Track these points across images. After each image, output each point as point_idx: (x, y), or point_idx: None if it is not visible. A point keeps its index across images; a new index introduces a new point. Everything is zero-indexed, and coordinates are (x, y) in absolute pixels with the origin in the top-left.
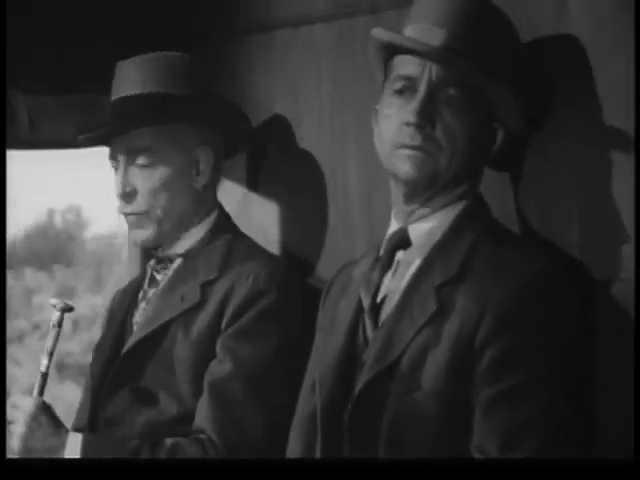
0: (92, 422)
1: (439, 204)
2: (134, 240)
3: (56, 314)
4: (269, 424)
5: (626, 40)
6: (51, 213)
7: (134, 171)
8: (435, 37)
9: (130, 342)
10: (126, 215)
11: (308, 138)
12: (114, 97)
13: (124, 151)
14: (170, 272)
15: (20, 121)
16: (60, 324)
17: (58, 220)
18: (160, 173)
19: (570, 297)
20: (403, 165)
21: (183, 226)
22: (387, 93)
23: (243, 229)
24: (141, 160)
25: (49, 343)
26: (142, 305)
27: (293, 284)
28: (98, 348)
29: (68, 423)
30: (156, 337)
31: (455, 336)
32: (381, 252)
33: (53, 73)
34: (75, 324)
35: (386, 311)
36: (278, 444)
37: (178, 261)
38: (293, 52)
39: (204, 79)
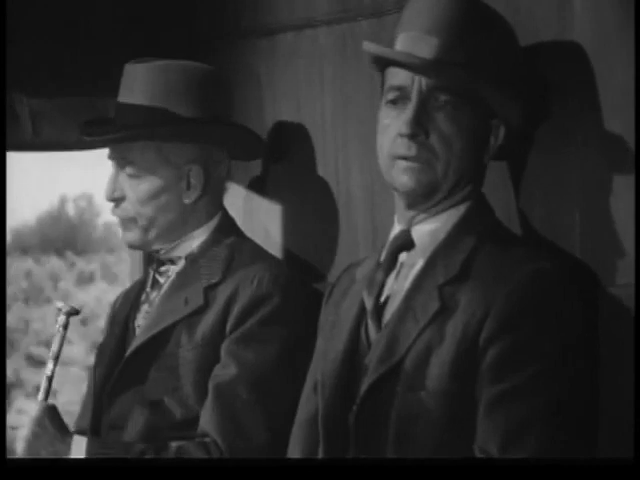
0: (95, 425)
1: (442, 207)
2: (124, 240)
3: (62, 317)
4: (273, 428)
5: (628, 41)
6: (63, 200)
7: (123, 178)
8: (427, 47)
9: (133, 345)
10: (116, 218)
11: (311, 141)
12: (120, 99)
13: (115, 158)
14: (173, 275)
15: (23, 124)
16: (66, 327)
17: (70, 207)
18: (147, 185)
19: (573, 297)
20: (401, 177)
21: (174, 236)
22: (383, 104)
23: (246, 232)
24: (128, 170)
25: (55, 346)
26: (144, 308)
27: (297, 287)
28: (100, 351)
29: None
30: (159, 340)
31: (459, 335)
32: (384, 254)
33: (55, 76)
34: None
35: (389, 312)
36: (282, 448)
37: (181, 264)
38: (296, 56)
39: (216, 97)
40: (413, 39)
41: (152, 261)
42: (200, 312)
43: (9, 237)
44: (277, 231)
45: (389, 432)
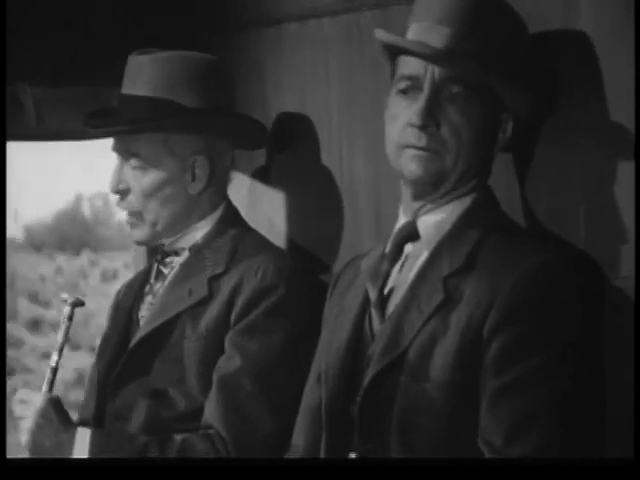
0: (99, 417)
1: (448, 198)
2: (132, 238)
3: (67, 309)
4: (278, 420)
5: (632, 34)
6: (79, 199)
7: (128, 170)
8: (438, 37)
9: (137, 336)
10: (122, 210)
11: (315, 131)
12: (124, 91)
13: (120, 150)
14: (177, 266)
15: (27, 113)
16: (71, 318)
17: (86, 206)
18: (152, 177)
19: (577, 289)
20: (409, 165)
21: (179, 227)
22: (393, 93)
23: (250, 222)
24: (134, 162)
25: (60, 338)
26: (148, 299)
27: (301, 279)
28: (104, 342)
29: None
30: (163, 331)
31: (463, 326)
32: (389, 245)
33: (59, 65)
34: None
35: (393, 303)
36: (286, 439)
37: (185, 255)
38: (301, 46)
39: (220, 87)
40: (425, 29)
41: (156, 252)
42: (204, 303)
43: (23, 234)
44: (281, 222)
45: (392, 422)
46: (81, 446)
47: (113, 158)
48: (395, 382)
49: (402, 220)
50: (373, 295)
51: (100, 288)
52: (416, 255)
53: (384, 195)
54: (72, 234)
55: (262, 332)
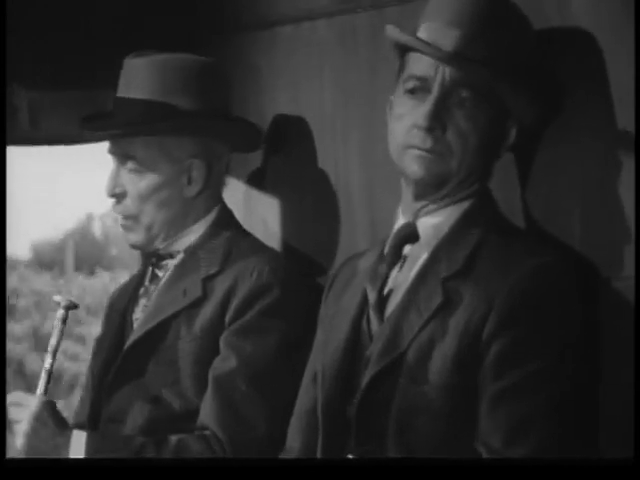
0: (94, 419)
1: (448, 200)
2: (126, 242)
3: (60, 312)
4: (273, 420)
5: (627, 38)
6: (90, 218)
7: (124, 173)
8: (448, 39)
9: (131, 339)
10: (118, 215)
11: (311, 134)
12: (119, 94)
13: (116, 153)
14: (171, 268)
15: (21, 117)
16: (64, 321)
17: (97, 225)
18: (148, 180)
19: (575, 292)
20: (412, 165)
21: (174, 230)
22: (399, 92)
23: (245, 226)
24: (130, 165)
25: (53, 341)
26: (143, 301)
27: (296, 280)
28: (98, 345)
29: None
30: (158, 333)
31: (461, 329)
32: (388, 246)
33: (54, 68)
34: None
35: (392, 305)
36: (282, 439)
37: (179, 257)
38: (295, 48)
39: (215, 90)
40: (435, 31)
41: (151, 255)
42: (198, 304)
43: (30, 253)
44: (276, 224)
45: (390, 424)
46: (77, 449)
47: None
48: (393, 384)
49: (401, 221)
50: (372, 296)
51: None
52: (415, 256)
53: (379, 197)
54: (83, 253)
55: (257, 332)
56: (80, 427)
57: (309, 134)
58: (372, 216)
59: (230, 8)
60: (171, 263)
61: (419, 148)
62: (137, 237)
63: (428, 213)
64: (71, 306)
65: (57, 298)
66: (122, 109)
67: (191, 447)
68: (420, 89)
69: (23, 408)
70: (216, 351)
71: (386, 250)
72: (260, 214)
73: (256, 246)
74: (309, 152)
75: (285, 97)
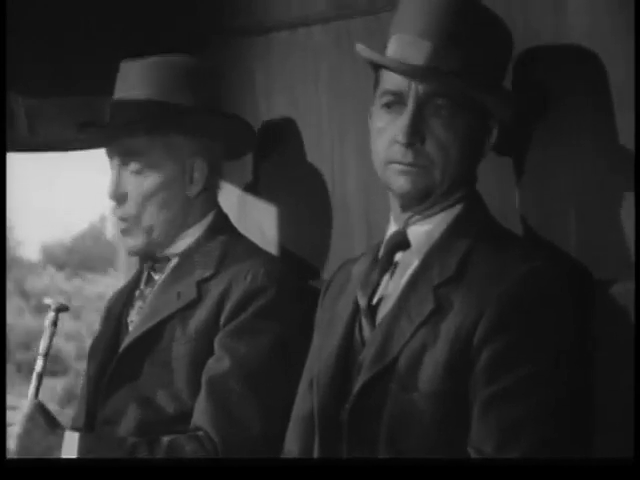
0: (89, 421)
1: (437, 208)
2: (124, 247)
3: (51, 314)
4: (267, 421)
5: (625, 40)
6: (103, 220)
7: (126, 175)
8: (419, 51)
9: (126, 341)
10: (117, 219)
11: (306, 139)
12: (116, 97)
13: (118, 154)
14: (167, 271)
15: (19, 123)
16: (55, 324)
17: (109, 226)
18: (151, 180)
19: (567, 297)
20: (397, 180)
21: (173, 232)
22: (377, 106)
23: (240, 230)
24: (133, 166)
25: (44, 343)
26: (138, 304)
27: (291, 282)
28: (94, 348)
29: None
30: (153, 335)
31: (453, 336)
32: (380, 253)
33: (51, 75)
34: None
35: (383, 311)
36: (276, 441)
37: (175, 260)
38: (291, 54)
39: (208, 88)
40: (407, 43)
41: (148, 258)
42: (193, 306)
43: (41, 253)
44: (272, 229)
45: (381, 430)
46: (69, 449)
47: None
48: (385, 390)
49: (393, 228)
50: (363, 303)
51: None
52: (406, 263)
53: (374, 201)
54: (95, 254)
55: (251, 334)
56: (78, 430)
57: (305, 139)
58: (368, 220)
59: (226, 14)
60: (167, 266)
61: (401, 163)
62: (136, 241)
63: (419, 221)
64: (62, 308)
65: (48, 300)
66: (122, 110)
67: (184, 447)
68: (395, 103)
69: (15, 411)
70: (210, 353)
71: (378, 257)
72: (255, 218)
73: (251, 249)
74: (304, 157)
75: (281, 101)
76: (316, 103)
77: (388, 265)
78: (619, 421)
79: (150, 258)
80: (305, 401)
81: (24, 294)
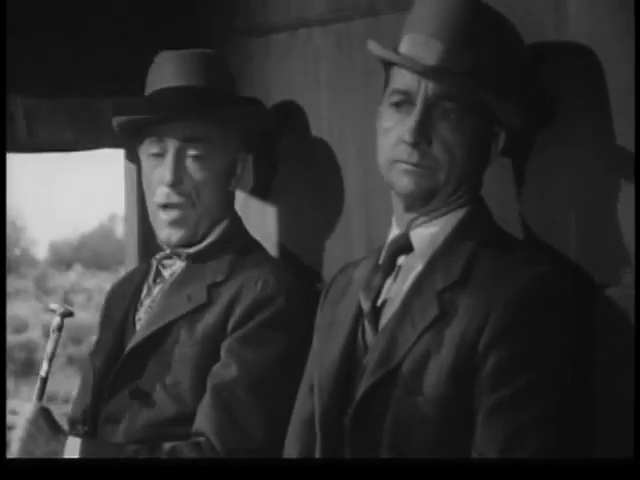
0: (92, 418)
1: (441, 211)
2: (167, 238)
3: (56, 319)
4: (270, 431)
5: (626, 42)
6: (112, 219)
7: (186, 161)
8: (431, 52)
9: (134, 341)
10: (167, 208)
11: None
12: (161, 86)
13: (177, 139)
14: (178, 271)
15: (17, 124)
16: (60, 329)
17: (119, 225)
18: (209, 167)
19: (572, 301)
20: (401, 180)
21: (211, 228)
22: (385, 105)
23: None
24: (193, 151)
25: (49, 348)
26: (147, 302)
27: (301, 292)
28: (99, 342)
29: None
30: (160, 336)
31: (458, 341)
32: (382, 257)
33: (50, 76)
34: None
35: (386, 316)
36: (279, 450)
37: (186, 259)
38: (291, 56)
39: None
40: (418, 43)
41: (154, 252)
42: (202, 310)
43: (49, 252)
44: (273, 231)
45: (384, 435)
46: (71, 454)
47: None
48: (388, 395)
49: (395, 231)
50: (366, 307)
51: None
52: (410, 267)
53: (375, 204)
54: (105, 252)
55: (260, 342)
56: (76, 422)
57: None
58: (368, 223)
59: (225, 16)
60: (178, 264)
61: (406, 162)
62: (181, 233)
63: (422, 224)
64: (67, 314)
65: (53, 306)
66: (177, 96)
67: (185, 454)
68: (404, 102)
69: (18, 414)
70: (216, 357)
71: (381, 260)
72: (257, 221)
73: (263, 256)
74: (305, 159)
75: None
76: (315, 105)
77: (391, 269)
78: (619, 421)
79: (160, 252)
80: (305, 404)
81: (47, 292)
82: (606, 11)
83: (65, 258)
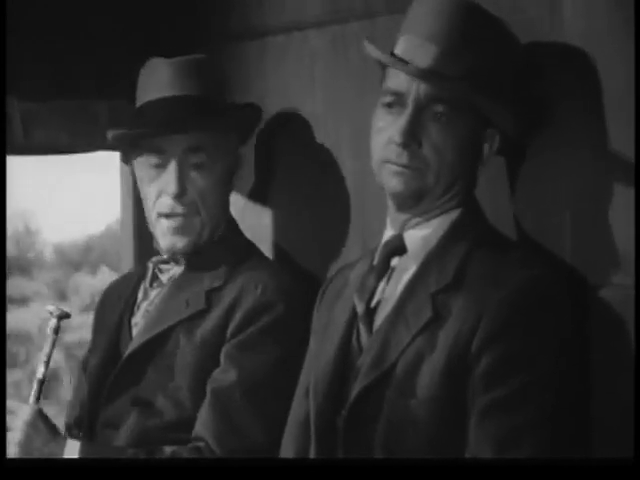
0: (90, 423)
1: (434, 213)
2: (170, 246)
3: (53, 321)
4: (270, 436)
5: (622, 43)
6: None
7: (188, 171)
8: (425, 54)
9: (131, 347)
10: (171, 217)
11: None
12: (155, 96)
13: (178, 149)
14: (175, 275)
15: (14, 127)
16: (57, 331)
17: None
18: (211, 174)
19: (566, 303)
20: (390, 180)
21: (213, 233)
22: (379, 105)
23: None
24: (194, 159)
25: (46, 350)
26: (144, 306)
27: (300, 296)
28: (94, 346)
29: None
30: (158, 341)
31: (451, 343)
32: (376, 258)
33: (46, 79)
34: None
35: (380, 317)
36: (278, 454)
37: (183, 264)
38: (286, 58)
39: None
40: (412, 45)
41: (150, 255)
42: (201, 315)
43: (54, 253)
44: (269, 232)
45: (377, 436)
46: (70, 457)
47: None
48: (382, 396)
49: (389, 232)
50: (360, 308)
51: None
52: (403, 269)
53: (370, 206)
54: (113, 253)
55: (259, 348)
56: (72, 426)
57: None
58: (363, 224)
59: (221, 18)
60: (175, 268)
61: (396, 163)
62: (185, 241)
63: (415, 225)
64: (63, 315)
65: (49, 308)
66: (174, 106)
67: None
68: (396, 103)
69: (16, 416)
70: (216, 362)
71: (375, 262)
72: (252, 222)
73: (261, 260)
74: (300, 160)
75: (276, 107)
76: (311, 107)
77: (385, 270)
78: (619, 421)
79: (156, 256)
80: (301, 406)
81: (72, 293)
82: (602, 13)
83: (74, 261)
